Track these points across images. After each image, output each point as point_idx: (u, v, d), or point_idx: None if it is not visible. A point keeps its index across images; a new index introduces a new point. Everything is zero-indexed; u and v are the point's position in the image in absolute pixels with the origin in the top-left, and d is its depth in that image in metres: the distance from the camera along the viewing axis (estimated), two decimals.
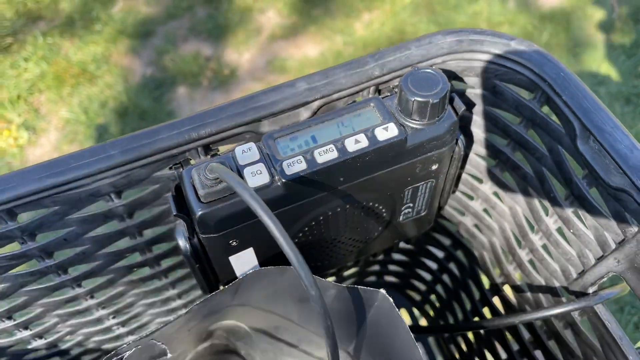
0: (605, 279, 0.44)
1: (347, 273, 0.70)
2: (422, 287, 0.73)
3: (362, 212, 0.44)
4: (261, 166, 0.37)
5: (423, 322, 0.78)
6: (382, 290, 0.39)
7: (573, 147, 0.42)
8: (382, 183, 0.42)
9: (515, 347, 0.58)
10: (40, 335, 0.53)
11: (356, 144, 0.38)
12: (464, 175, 0.55)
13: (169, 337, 0.42)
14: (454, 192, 0.57)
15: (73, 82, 1.93)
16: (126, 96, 1.85)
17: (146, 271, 0.52)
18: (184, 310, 0.49)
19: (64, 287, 0.48)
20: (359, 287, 0.39)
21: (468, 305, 0.65)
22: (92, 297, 0.52)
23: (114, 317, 0.57)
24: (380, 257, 0.70)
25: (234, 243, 0.40)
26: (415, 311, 0.76)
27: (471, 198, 0.56)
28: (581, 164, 0.42)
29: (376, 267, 0.73)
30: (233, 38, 2.01)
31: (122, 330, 0.59)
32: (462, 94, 0.48)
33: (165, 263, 0.52)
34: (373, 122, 0.40)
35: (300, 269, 0.31)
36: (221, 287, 0.39)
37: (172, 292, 0.57)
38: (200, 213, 0.37)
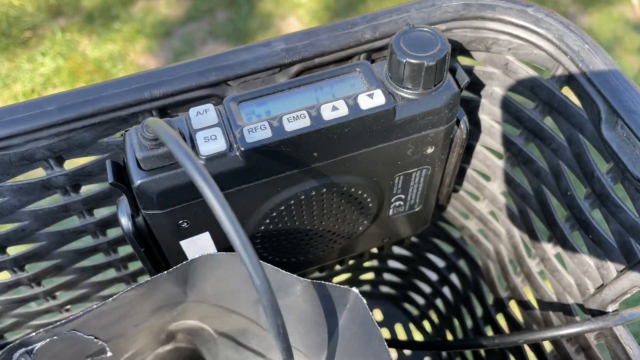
0: (628, 296, 0.37)
1: (337, 280, 0.63)
2: (421, 300, 0.66)
3: (342, 199, 0.38)
4: (217, 131, 0.31)
5: (420, 339, 0.70)
6: (355, 289, 0.32)
7: (597, 134, 0.35)
8: (366, 165, 0.35)
9: None
10: None
11: (333, 111, 0.32)
12: (469, 172, 0.48)
13: (107, 332, 0.36)
14: (457, 190, 0.50)
15: (87, 78, 1.90)
16: None
17: (100, 258, 0.46)
18: None
19: (3, 269, 0.42)
20: (329, 284, 0.32)
21: (469, 323, 0.57)
22: (38, 284, 0.46)
23: (67, 311, 0.50)
24: (375, 263, 0.64)
25: (185, 224, 0.34)
26: (412, 327, 0.68)
27: (477, 198, 0.49)
28: (606, 154, 0.35)
29: (370, 275, 0.66)
30: (252, 43, 1.97)
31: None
32: (468, 72, 0.41)
33: (124, 250, 0.46)
34: (357, 89, 0.33)
35: (242, 248, 0.24)
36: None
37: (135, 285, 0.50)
38: (138, 182, 0.30)
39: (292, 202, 0.36)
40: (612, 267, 0.37)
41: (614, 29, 1.97)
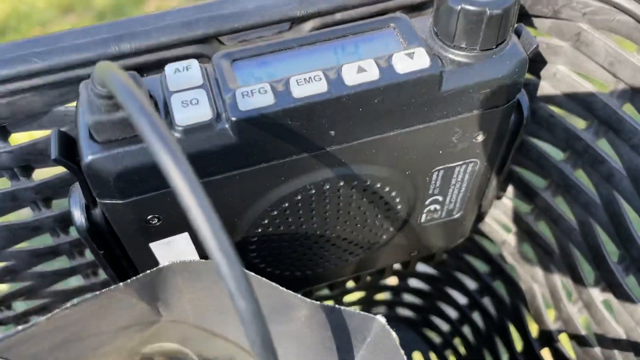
0: None
1: (348, 299, 0.55)
2: (445, 326, 0.57)
3: (363, 197, 0.29)
4: (201, 94, 0.23)
5: None
6: (380, 318, 0.23)
7: None
8: (398, 152, 0.27)
9: None
10: None
11: (360, 73, 0.24)
12: (516, 172, 0.39)
13: (55, 356, 0.28)
14: (499, 197, 0.41)
15: None
16: None
17: (63, 262, 0.38)
18: None
19: None
20: (344, 309, 0.24)
21: (505, 357, 0.48)
22: None
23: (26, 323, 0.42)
24: (393, 281, 0.55)
25: (155, 221, 0.26)
26: (433, 357, 0.59)
27: (524, 207, 0.41)
28: None
29: (387, 295, 0.58)
30: None
31: None
32: None
33: (91, 254, 0.38)
34: (392, 48, 0.25)
35: (219, 250, 0.16)
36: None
37: None
38: (89, 158, 0.22)
39: (299, 197, 0.27)
40: None
41: None
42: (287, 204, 0.28)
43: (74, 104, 0.28)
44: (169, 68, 0.24)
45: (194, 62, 0.24)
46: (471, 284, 0.50)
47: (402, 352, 0.23)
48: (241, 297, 0.17)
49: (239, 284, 0.17)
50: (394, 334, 0.23)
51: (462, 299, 0.52)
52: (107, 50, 0.26)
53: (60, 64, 0.26)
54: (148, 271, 0.24)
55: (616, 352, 0.36)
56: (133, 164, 0.23)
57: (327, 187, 0.27)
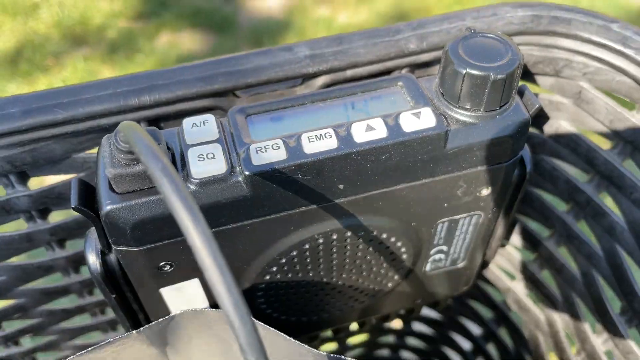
0: None
1: (351, 341, 0.55)
2: None
3: (370, 247, 0.30)
4: (216, 148, 0.24)
5: None
6: None
7: None
8: (404, 204, 0.28)
9: None
10: None
11: (368, 132, 0.25)
12: (520, 222, 0.40)
13: None
14: (503, 245, 0.42)
15: None
16: None
17: (72, 300, 0.38)
18: None
19: None
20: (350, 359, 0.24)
21: None
22: None
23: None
24: (397, 324, 0.55)
25: (168, 267, 0.26)
26: None
27: (528, 256, 0.41)
28: None
29: (390, 339, 0.58)
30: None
31: None
32: None
33: (100, 293, 0.38)
34: (399, 107, 0.26)
35: (234, 310, 0.17)
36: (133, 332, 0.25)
37: (113, 334, 0.43)
38: (108, 208, 0.23)
39: (307, 246, 0.28)
40: None
41: None
42: (295, 253, 0.28)
43: (93, 150, 0.29)
44: (187, 123, 0.25)
45: (210, 118, 0.25)
46: (476, 330, 0.50)
47: None
48: (251, 351, 0.17)
49: (250, 340, 0.17)
50: None
51: (466, 344, 0.52)
52: (127, 102, 0.27)
53: (82, 114, 0.27)
54: (161, 319, 0.25)
55: None
56: (149, 214, 0.24)
57: (335, 237, 0.28)
